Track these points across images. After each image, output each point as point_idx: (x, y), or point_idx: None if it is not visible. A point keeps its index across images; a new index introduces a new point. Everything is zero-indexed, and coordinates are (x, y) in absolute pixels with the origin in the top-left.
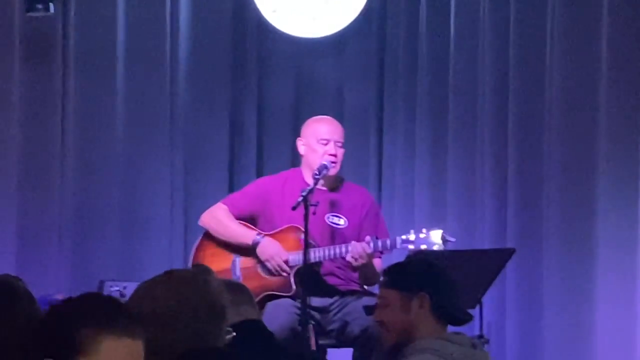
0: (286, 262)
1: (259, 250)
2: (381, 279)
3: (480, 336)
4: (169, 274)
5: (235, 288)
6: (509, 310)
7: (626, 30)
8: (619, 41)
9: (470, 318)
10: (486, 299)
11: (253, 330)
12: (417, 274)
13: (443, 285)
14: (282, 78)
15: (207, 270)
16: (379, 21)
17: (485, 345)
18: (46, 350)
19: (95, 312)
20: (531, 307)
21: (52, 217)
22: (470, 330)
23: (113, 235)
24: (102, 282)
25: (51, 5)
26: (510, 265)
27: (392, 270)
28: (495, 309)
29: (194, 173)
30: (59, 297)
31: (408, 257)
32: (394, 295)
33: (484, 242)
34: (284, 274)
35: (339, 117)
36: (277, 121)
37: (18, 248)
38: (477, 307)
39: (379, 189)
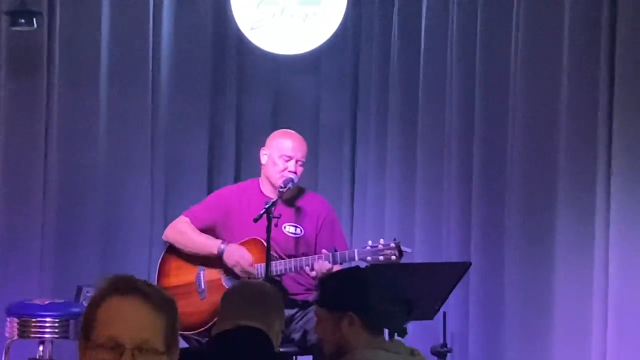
0: (252, 265)
1: (225, 257)
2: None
3: (444, 346)
4: None
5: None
6: (472, 321)
7: (584, 42)
8: (578, 53)
9: (405, 333)
10: (450, 310)
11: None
12: (344, 294)
13: (371, 302)
14: (260, 93)
15: None
16: (353, 40)
17: (449, 355)
18: None
19: None
20: (493, 318)
21: (34, 226)
22: (435, 340)
23: (93, 244)
24: (80, 288)
25: (34, 20)
26: (473, 278)
27: (322, 290)
28: (459, 319)
29: (174, 185)
30: (38, 301)
31: (340, 272)
32: (325, 313)
33: (450, 253)
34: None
35: (314, 131)
36: (255, 135)
37: (1, 254)
38: (441, 318)
39: (352, 200)
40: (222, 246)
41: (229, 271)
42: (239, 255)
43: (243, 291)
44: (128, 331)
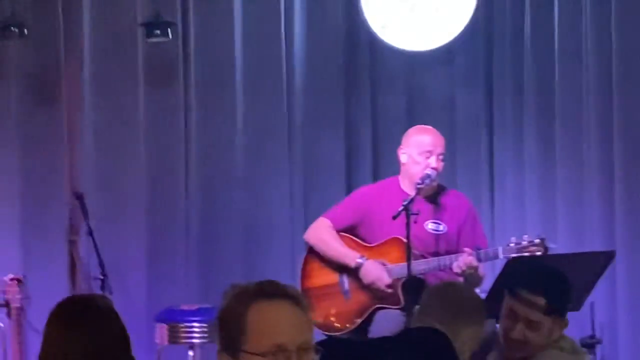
0: (388, 286)
1: (362, 273)
2: (540, 301)
3: (592, 337)
4: None
5: None
6: (621, 311)
7: None
8: None
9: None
10: (598, 300)
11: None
12: (571, 300)
13: None
14: (394, 91)
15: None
16: (486, 33)
17: (598, 346)
18: None
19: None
20: None
21: (178, 232)
22: (583, 331)
23: (236, 248)
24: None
25: (169, 30)
26: (620, 267)
27: (558, 298)
28: (607, 310)
29: (313, 185)
30: (186, 307)
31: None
32: (550, 321)
33: (594, 244)
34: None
35: (450, 126)
36: (391, 133)
37: (148, 263)
38: (589, 309)
39: (491, 196)
40: (360, 261)
41: None
42: (375, 276)
43: (438, 292)
44: (290, 335)
